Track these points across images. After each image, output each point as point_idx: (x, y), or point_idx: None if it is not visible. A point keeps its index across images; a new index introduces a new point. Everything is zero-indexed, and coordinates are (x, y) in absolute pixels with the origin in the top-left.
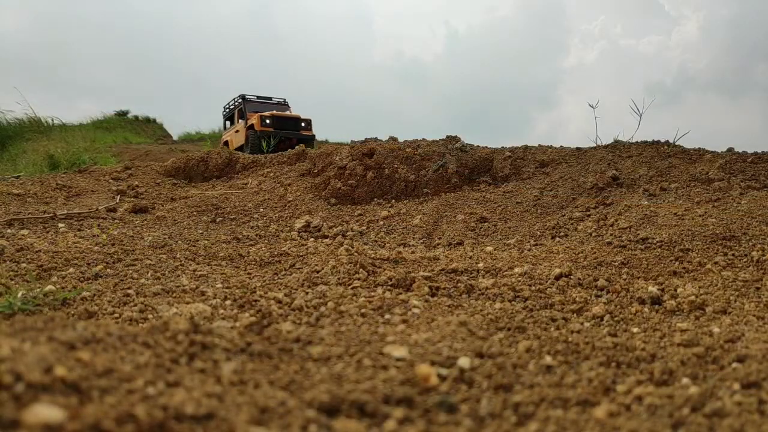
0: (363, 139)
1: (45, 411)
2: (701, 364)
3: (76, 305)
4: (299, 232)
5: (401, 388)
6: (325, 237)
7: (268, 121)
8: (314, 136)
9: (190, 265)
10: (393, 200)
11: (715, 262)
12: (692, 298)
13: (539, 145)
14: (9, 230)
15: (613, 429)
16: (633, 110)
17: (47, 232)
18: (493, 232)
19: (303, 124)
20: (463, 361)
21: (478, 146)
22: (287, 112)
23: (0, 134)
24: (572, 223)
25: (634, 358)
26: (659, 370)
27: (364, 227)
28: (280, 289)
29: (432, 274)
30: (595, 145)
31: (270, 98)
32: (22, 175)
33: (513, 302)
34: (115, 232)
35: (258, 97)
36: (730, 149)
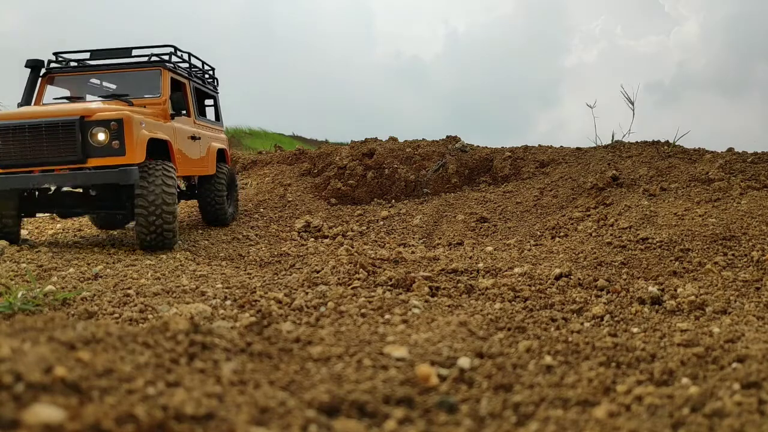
0: (363, 139)
1: (45, 411)
2: (701, 364)
3: (76, 305)
4: (299, 232)
5: (401, 388)
6: (325, 237)
7: None
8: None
9: (190, 265)
10: (393, 200)
11: (715, 262)
12: (692, 298)
13: (539, 145)
14: None
15: (613, 429)
16: (626, 101)
17: (47, 232)
18: (493, 232)
19: (95, 131)
20: (463, 361)
21: (478, 146)
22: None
23: None
24: (572, 223)
25: (634, 358)
26: (659, 370)
27: (364, 227)
28: (280, 289)
29: (432, 274)
30: (595, 145)
31: (118, 52)
32: None
33: (513, 302)
34: (115, 232)
35: (85, 58)
36: (730, 149)
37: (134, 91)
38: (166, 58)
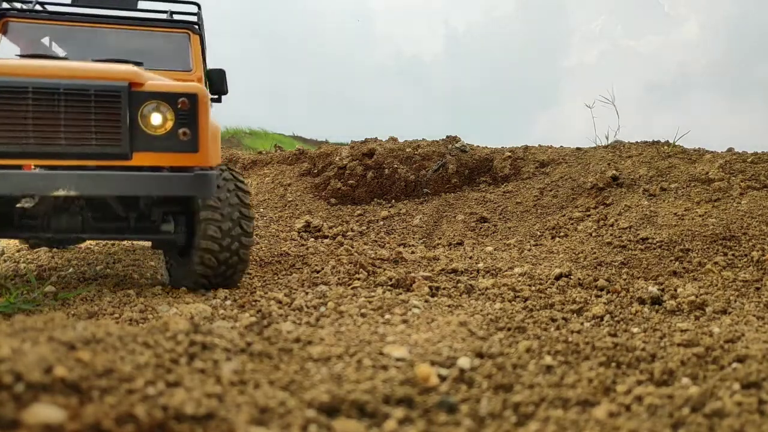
0: (363, 139)
1: (45, 411)
2: (701, 364)
3: (76, 305)
4: (299, 232)
5: (401, 388)
6: (325, 237)
7: None
8: None
9: None
10: (393, 200)
11: (715, 262)
12: (692, 298)
13: (539, 145)
14: None
15: (613, 429)
16: (608, 102)
17: None
18: (493, 232)
19: (150, 110)
20: (463, 361)
21: (478, 146)
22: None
23: None
24: (572, 223)
25: (634, 358)
26: (659, 370)
27: (364, 227)
28: (280, 289)
29: (432, 274)
30: (595, 145)
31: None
32: None
33: (513, 302)
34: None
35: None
36: (730, 149)
37: (145, 59)
38: (194, 18)
